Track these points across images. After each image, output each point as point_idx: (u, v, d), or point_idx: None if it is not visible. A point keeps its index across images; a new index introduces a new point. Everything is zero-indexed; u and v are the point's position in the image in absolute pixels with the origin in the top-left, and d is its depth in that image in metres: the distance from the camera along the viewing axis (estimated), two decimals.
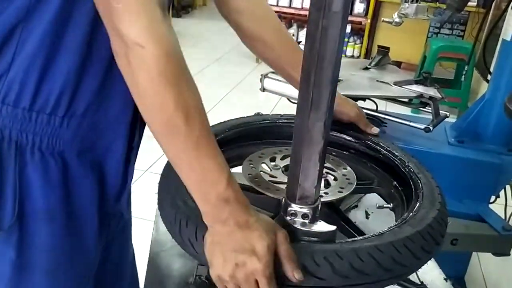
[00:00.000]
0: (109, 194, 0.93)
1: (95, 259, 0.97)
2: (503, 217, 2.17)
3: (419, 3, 2.00)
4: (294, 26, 5.65)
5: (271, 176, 0.95)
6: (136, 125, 0.91)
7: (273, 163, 1.00)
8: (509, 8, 1.90)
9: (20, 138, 0.80)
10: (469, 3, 2.31)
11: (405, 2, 2.00)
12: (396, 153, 1.02)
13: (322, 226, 0.78)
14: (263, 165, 0.99)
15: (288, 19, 5.86)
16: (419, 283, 0.95)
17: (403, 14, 2.01)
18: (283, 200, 0.80)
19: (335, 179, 0.96)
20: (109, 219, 0.98)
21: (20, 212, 0.82)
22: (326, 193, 0.90)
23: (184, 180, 0.73)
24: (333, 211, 0.96)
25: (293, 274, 0.68)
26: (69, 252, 0.89)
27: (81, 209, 0.88)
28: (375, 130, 1.11)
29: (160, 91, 0.66)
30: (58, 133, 0.81)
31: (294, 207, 0.77)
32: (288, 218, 0.78)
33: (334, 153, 1.10)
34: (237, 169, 0.99)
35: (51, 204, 0.84)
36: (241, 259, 0.67)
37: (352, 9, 5.33)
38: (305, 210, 0.77)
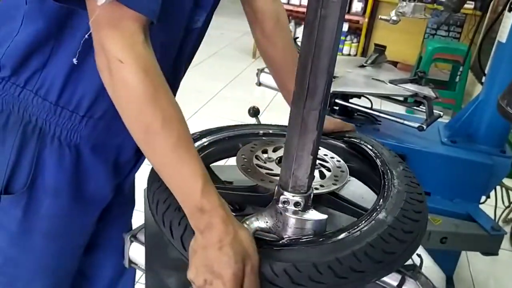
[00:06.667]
0: (121, 173, 1.08)
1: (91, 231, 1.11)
2: (492, 217, 2.20)
3: (417, 1, 2.00)
4: (292, 23, 5.63)
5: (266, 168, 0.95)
6: None
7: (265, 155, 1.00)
8: (505, 11, 1.91)
9: (44, 126, 0.93)
10: (466, 5, 2.32)
11: (403, 0, 2.01)
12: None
13: (313, 215, 0.79)
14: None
15: None
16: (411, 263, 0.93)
17: (400, 12, 2.02)
18: (276, 188, 0.80)
19: (329, 169, 0.97)
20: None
21: (31, 184, 0.96)
22: (322, 185, 0.91)
23: (167, 184, 0.79)
24: (335, 197, 0.96)
25: None
26: (69, 224, 1.03)
27: (87, 191, 1.02)
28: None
29: (139, 101, 0.74)
30: (77, 128, 0.94)
31: (287, 195, 0.78)
32: (280, 205, 0.78)
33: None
34: None
35: (59, 184, 0.97)
36: (209, 278, 0.73)
37: (350, 8, 5.34)
38: (298, 198, 0.77)
